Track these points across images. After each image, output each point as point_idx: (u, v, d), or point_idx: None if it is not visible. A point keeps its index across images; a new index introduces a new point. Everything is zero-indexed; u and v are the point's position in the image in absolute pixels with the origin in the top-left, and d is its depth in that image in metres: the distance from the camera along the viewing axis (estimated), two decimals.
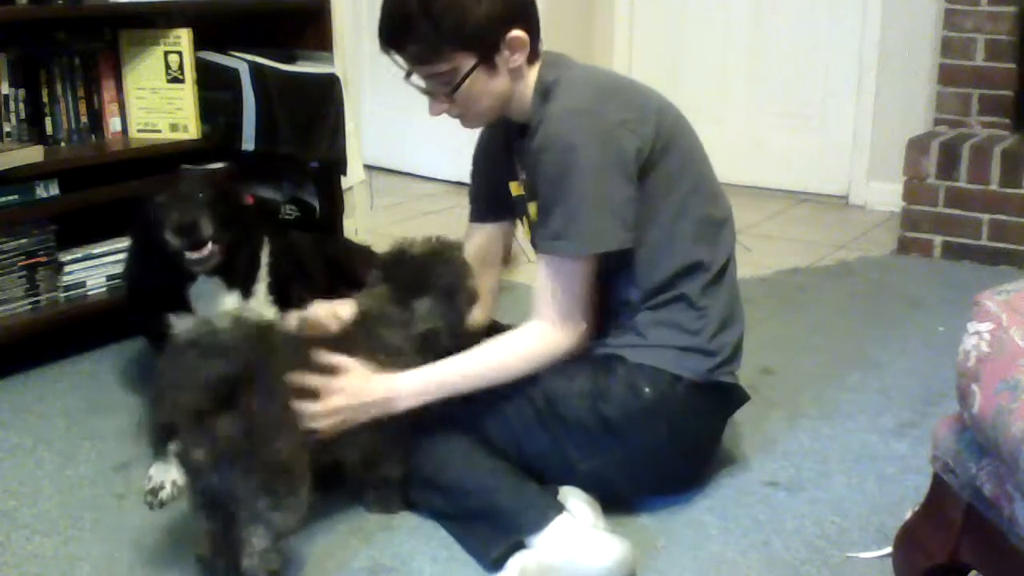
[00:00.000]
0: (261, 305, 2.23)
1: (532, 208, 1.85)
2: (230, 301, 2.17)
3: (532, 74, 1.80)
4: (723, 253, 1.85)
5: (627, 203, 1.72)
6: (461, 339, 1.86)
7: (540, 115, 1.75)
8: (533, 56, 1.79)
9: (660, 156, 1.75)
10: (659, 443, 1.79)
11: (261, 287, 2.24)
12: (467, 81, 1.73)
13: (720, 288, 1.83)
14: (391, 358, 1.79)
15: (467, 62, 1.72)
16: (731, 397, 1.90)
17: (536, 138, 1.72)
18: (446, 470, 1.76)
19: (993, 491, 1.23)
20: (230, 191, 2.24)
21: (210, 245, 2.04)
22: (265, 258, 2.26)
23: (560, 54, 1.86)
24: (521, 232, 2.04)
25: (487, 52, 1.73)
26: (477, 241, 2.07)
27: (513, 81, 1.78)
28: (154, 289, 2.15)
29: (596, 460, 1.78)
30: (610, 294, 1.84)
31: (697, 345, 1.79)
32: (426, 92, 1.80)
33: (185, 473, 1.62)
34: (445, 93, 1.76)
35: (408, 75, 1.79)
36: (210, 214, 2.05)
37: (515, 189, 1.95)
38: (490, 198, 2.04)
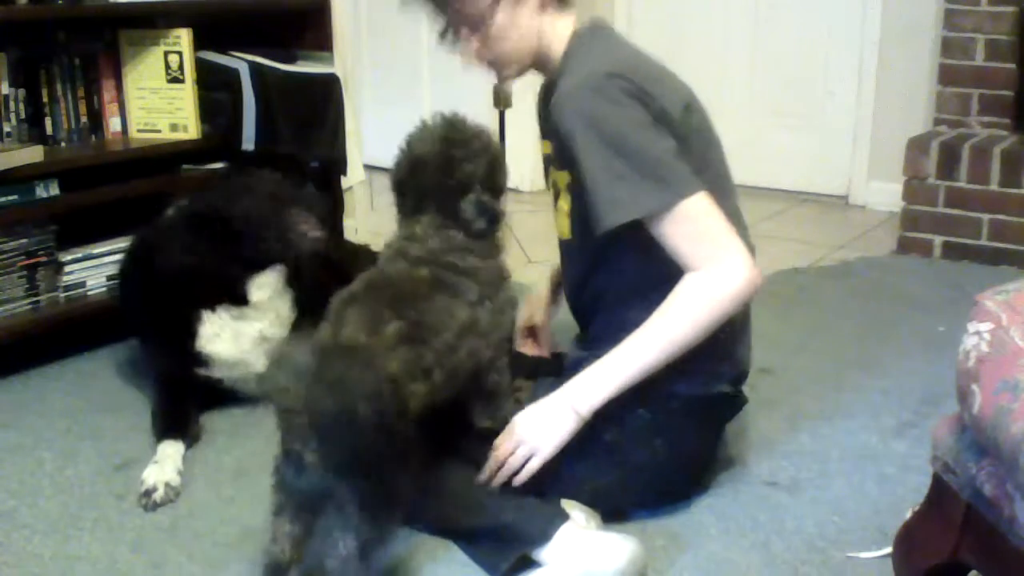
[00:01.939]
0: (287, 305, 2.28)
1: (561, 176, 1.80)
2: (275, 289, 2.25)
3: (564, 30, 1.78)
4: None
5: (676, 149, 1.66)
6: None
7: (561, 80, 1.72)
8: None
9: (684, 145, 1.70)
10: (658, 459, 1.78)
11: (290, 290, 2.30)
12: (494, 15, 1.72)
13: None
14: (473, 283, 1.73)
15: None
16: (729, 406, 1.89)
17: (556, 108, 1.68)
18: (445, 494, 1.74)
19: (993, 491, 1.22)
20: None
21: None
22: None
23: (601, 23, 1.83)
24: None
25: None
26: None
27: (541, 18, 1.76)
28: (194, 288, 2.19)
29: (596, 480, 1.77)
30: (604, 291, 1.83)
31: (694, 363, 1.74)
32: (457, 39, 1.78)
33: (284, 470, 1.51)
34: (474, 32, 1.74)
35: (443, 32, 1.79)
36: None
37: (544, 147, 1.92)
38: None
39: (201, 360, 2.21)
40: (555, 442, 1.70)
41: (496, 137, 1.90)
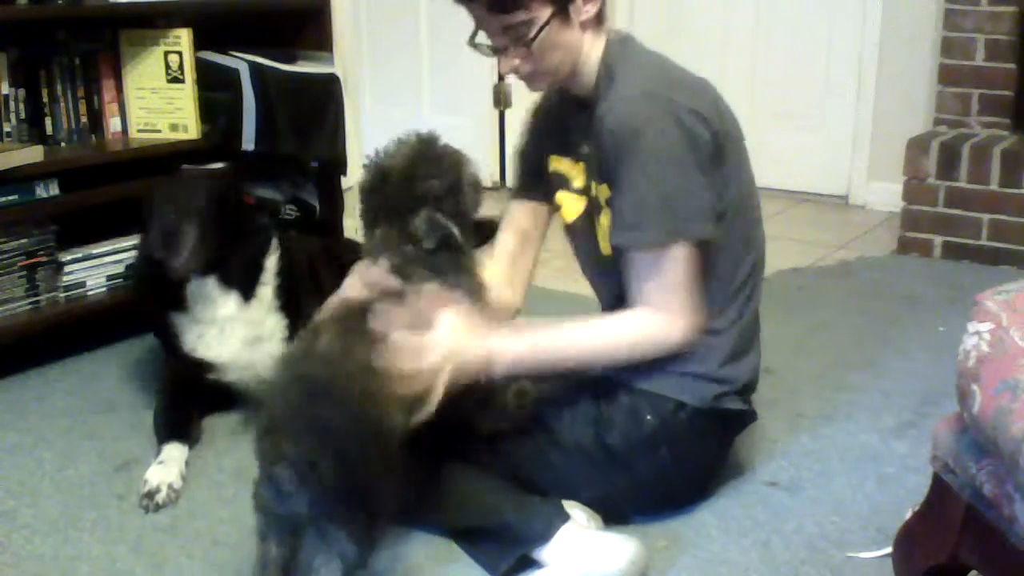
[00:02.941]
0: (265, 310, 2.22)
1: (602, 191, 1.77)
2: (229, 303, 2.16)
3: (598, 44, 1.76)
4: (743, 272, 1.79)
5: (707, 193, 1.68)
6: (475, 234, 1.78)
7: (606, 94, 1.71)
8: (601, 17, 1.77)
9: (720, 158, 1.71)
10: (663, 469, 1.78)
11: (266, 291, 2.22)
12: (544, 32, 1.68)
13: (736, 310, 1.78)
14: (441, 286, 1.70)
15: (544, 11, 1.67)
16: (738, 421, 1.88)
17: (608, 120, 1.67)
18: (446, 494, 1.74)
19: (993, 491, 1.22)
20: (229, 193, 2.22)
21: (189, 254, 2.04)
22: (273, 263, 2.24)
23: (627, 34, 1.82)
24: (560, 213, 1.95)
25: (563, 1, 1.69)
26: (517, 218, 2.00)
27: (583, 35, 1.74)
28: (154, 286, 2.14)
29: (600, 486, 1.77)
30: (621, 302, 1.83)
31: (703, 372, 1.75)
32: (495, 50, 1.74)
33: (265, 494, 1.49)
34: (523, 45, 1.69)
35: (473, 37, 1.76)
36: (197, 221, 2.05)
37: (555, 163, 1.90)
38: (534, 173, 1.98)
39: (202, 364, 2.20)
40: (452, 363, 1.61)
41: (472, 162, 1.85)
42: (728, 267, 1.76)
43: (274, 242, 2.28)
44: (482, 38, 1.75)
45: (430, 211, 1.71)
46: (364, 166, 1.79)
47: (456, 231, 1.73)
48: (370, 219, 1.76)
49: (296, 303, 2.27)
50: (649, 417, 1.74)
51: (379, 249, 1.73)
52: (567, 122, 1.86)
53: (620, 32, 1.81)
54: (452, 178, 1.74)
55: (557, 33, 1.70)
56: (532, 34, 1.68)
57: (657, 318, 1.70)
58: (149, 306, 2.24)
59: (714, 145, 1.69)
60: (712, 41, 4.29)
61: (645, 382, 1.76)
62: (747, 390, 1.86)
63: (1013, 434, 1.12)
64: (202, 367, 2.20)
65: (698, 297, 1.71)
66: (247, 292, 2.19)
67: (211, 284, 2.14)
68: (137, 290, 2.29)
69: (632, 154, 1.64)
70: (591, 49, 1.76)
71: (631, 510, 1.82)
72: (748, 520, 1.83)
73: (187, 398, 2.20)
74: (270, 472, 1.44)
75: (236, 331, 2.18)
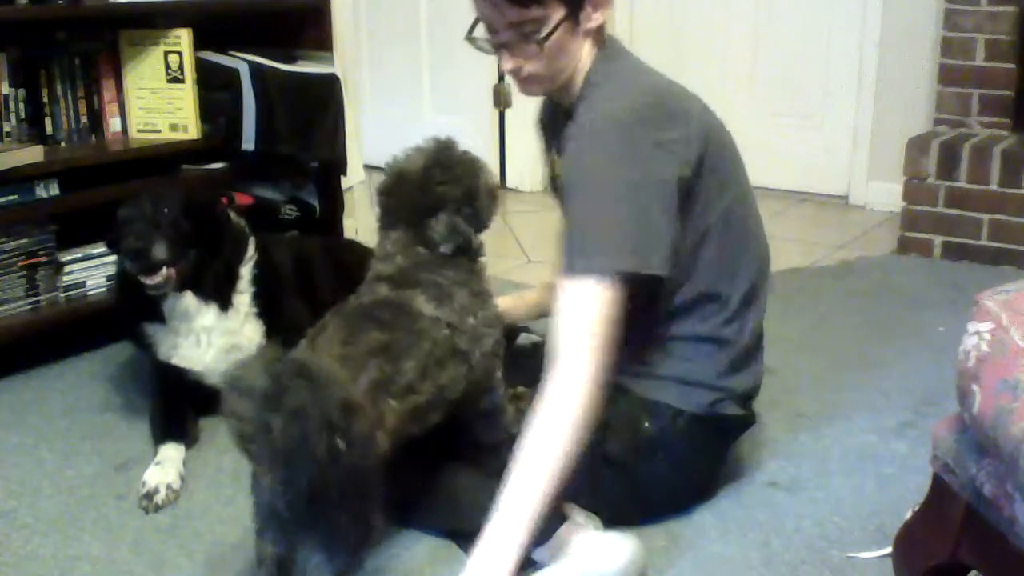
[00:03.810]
0: (242, 318, 2.21)
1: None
2: (207, 315, 2.16)
3: (591, 57, 1.75)
4: (742, 287, 1.77)
5: (660, 226, 1.61)
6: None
7: (578, 115, 1.70)
8: (602, 31, 1.75)
9: (701, 178, 1.68)
10: (662, 475, 1.78)
11: (243, 299, 2.21)
12: (551, 37, 1.67)
13: (738, 324, 1.77)
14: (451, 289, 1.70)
15: (557, 12, 1.66)
16: (737, 426, 1.87)
17: (568, 147, 1.67)
18: (446, 495, 1.74)
19: (993, 491, 1.22)
20: (202, 202, 2.20)
21: (164, 270, 2.04)
22: (248, 270, 2.23)
23: (620, 47, 1.80)
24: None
25: (576, 5, 1.68)
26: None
27: (584, 44, 1.72)
28: (131, 299, 2.13)
29: (599, 492, 1.75)
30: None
31: (703, 381, 1.75)
32: (498, 46, 1.72)
33: (256, 490, 1.49)
34: (533, 43, 1.67)
35: (471, 30, 1.74)
36: (169, 235, 2.05)
37: (556, 166, 1.89)
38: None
39: (182, 370, 2.19)
40: None
41: (496, 153, 1.86)
42: (724, 280, 1.75)
43: (251, 248, 2.25)
44: (480, 32, 1.73)
45: (449, 215, 1.72)
46: (384, 167, 1.80)
47: (474, 237, 1.74)
48: (388, 222, 1.77)
49: (276, 308, 2.26)
50: (647, 424, 1.74)
51: (392, 251, 1.73)
52: (559, 128, 1.87)
53: (615, 43, 1.79)
54: (469, 183, 1.75)
55: (565, 38, 1.69)
56: (543, 33, 1.66)
57: (561, 375, 1.55)
58: (128, 316, 2.22)
59: (691, 175, 1.66)
60: (712, 41, 4.30)
61: (643, 389, 1.76)
62: (747, 398, 1.86)
63: (1013, 434, 1.12)
64: (184, 372, 2.20)
65: (610, 345, 1.56)
66: (224, 302, 2.18)
67: (188, 298, 2.13)
68: (118, 300, 2.27)
69: (574, 184, 1.64)
70: (585, 61, 1.75)
71: (630, 515, 1.81)
72: (748, 520, 1.83)
73: (180, 399, 2.20)
74: (254, 469, 1.44)
75: (213, 341, 2.18)
